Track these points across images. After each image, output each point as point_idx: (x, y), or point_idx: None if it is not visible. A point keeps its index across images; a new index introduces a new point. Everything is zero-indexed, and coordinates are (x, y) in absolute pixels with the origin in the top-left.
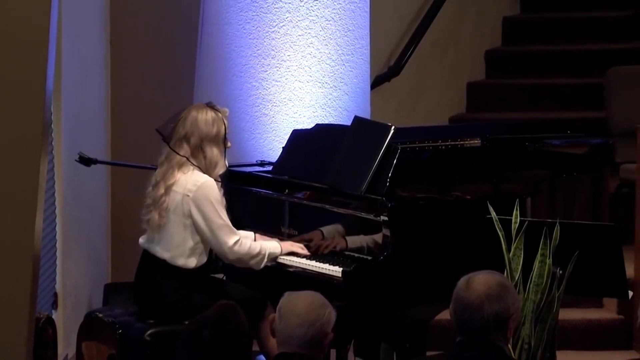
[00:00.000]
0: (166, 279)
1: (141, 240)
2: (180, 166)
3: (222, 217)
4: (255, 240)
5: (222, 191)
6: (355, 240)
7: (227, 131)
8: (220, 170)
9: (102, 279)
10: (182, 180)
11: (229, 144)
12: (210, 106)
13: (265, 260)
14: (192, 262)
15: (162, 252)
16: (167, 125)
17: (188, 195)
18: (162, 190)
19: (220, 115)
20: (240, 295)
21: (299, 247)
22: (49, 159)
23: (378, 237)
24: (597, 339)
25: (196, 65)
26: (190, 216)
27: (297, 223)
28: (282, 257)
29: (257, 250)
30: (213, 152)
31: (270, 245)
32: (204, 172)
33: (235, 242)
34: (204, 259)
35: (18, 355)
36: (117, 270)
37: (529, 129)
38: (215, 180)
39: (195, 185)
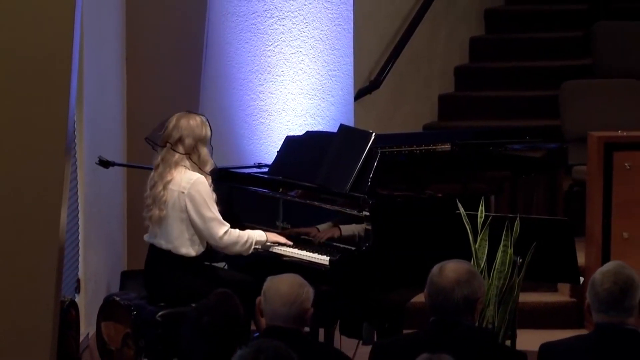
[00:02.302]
0: (171, 269)
1: (146, 237)
2: (176, 165)
3: (212, 210)
4: None
5: (212, 186)
6: (347, 229)
7: (212, 134)
8: (211, 167)
9: (119, 266)
10: (177, 178)
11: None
12: (193, 112)
13: (253, 247)
14: (193, 251)
15: (165, 244)
16: (155, 133)
17: (183, 192)
18: (160, 187)
19: (204, 119)
20: (235, 281)
21: (282, 238)
22: (72, 162)
23: (361, 230)
24: (553, 319)
25: (201, 79)
26: (186, 210)
27: (290, 218)
28: (277, 248)
29: (244, 238)
30: (204, 151)
31: (256, 234)
32: (198, 168)
33: (225, 232)
34: (203, 248)
35: (45, 334)
36: (132, 259)
37: (493, 135)
38: (207, 175)
39: (188, 183)
